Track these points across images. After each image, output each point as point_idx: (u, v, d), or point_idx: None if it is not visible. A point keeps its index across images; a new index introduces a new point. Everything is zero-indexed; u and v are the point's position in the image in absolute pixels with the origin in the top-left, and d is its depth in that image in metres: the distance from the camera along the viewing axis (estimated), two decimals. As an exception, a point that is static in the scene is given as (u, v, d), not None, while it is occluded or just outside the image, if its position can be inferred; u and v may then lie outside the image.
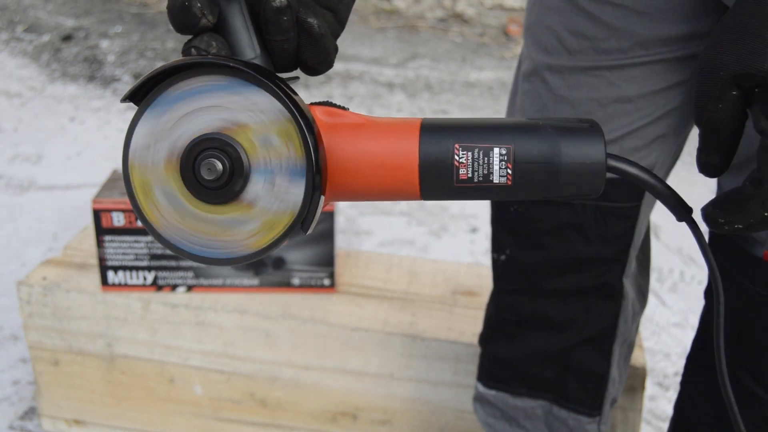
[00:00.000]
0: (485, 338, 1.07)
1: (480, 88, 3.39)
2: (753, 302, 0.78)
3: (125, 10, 4.12)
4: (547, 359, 1.01)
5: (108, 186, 1.38)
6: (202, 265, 1.36)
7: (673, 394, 1.70)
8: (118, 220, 1.33)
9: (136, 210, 0.50)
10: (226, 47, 0.51)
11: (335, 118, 0.52)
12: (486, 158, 0.51)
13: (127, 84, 3.31)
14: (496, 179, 0.52)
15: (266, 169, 0.48)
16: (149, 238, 1.34)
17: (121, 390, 1.44)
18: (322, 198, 0.50)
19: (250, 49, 0.52)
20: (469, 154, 0.51)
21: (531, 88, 0.94)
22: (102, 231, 1.34)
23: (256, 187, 0.48)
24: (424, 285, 1.44)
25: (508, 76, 3.49)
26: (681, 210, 0.54)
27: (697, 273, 2.13)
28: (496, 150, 0.51)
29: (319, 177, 0.48)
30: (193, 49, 0.49)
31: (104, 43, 3.72)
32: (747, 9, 0.52)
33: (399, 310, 1.36)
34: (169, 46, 3.69)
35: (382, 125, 0.53)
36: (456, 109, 3.16)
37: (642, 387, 1.25)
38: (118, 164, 2.62)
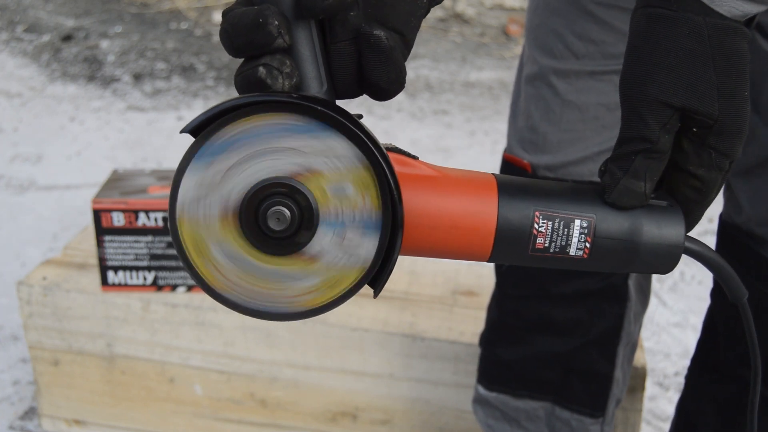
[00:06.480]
0: (487, 341, 1.07)
1: (480, 88, 3.39)
2: (762, 303, 0.78)
3: (125, 10, 4.12)
4: (550, 361, 1.01)
5: (108, 186, 1.38)
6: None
7: (673, 394, 1.70)
8: (118, 220, 1.33)
9: (183, 259, 0.45)
10: (297, 72, 0.45)
11: (407, 168, 0.48)
12: (566, 229, 0.48)
13: (127, 84, 3.30)
14: (572, 251, 0.49)
15: (336, 222, 0.44)
16: (149, 237, 1.34)
17: (121, 390, 1.44)
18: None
19: (317, 81, 0.46)
20: (550, 223, 0.48)
21: (536, 92, 0.94)
22: (102, 231, 1.34)
23: (323, 240, 0.44)
24: (424, 285, 1.44)
25: (508, 76, 3.49)
26: (738, 293, 0.54)
27: (697, 273, 2.13)
28: (577, 222, 0.48)
29: (400, 233, 0.44)
30: (261, 68, 0.43)
31: (104, 43, 3.72)
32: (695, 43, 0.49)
33: (399, 310, 1.36)
34: (169, 46, 3.69)
35: (456, 181, 0.49)
36: (456, 109, 3.16)
37: (642, 387, 1.25)
38: (118, 164, 2.62)
